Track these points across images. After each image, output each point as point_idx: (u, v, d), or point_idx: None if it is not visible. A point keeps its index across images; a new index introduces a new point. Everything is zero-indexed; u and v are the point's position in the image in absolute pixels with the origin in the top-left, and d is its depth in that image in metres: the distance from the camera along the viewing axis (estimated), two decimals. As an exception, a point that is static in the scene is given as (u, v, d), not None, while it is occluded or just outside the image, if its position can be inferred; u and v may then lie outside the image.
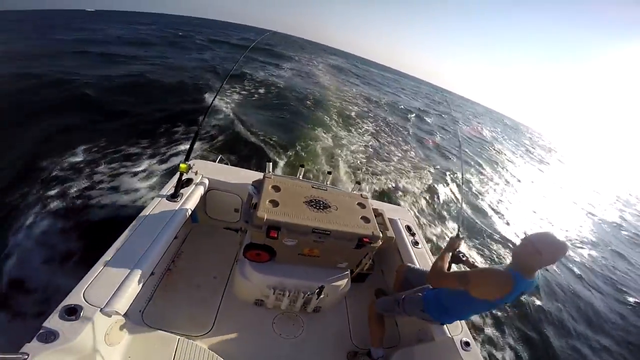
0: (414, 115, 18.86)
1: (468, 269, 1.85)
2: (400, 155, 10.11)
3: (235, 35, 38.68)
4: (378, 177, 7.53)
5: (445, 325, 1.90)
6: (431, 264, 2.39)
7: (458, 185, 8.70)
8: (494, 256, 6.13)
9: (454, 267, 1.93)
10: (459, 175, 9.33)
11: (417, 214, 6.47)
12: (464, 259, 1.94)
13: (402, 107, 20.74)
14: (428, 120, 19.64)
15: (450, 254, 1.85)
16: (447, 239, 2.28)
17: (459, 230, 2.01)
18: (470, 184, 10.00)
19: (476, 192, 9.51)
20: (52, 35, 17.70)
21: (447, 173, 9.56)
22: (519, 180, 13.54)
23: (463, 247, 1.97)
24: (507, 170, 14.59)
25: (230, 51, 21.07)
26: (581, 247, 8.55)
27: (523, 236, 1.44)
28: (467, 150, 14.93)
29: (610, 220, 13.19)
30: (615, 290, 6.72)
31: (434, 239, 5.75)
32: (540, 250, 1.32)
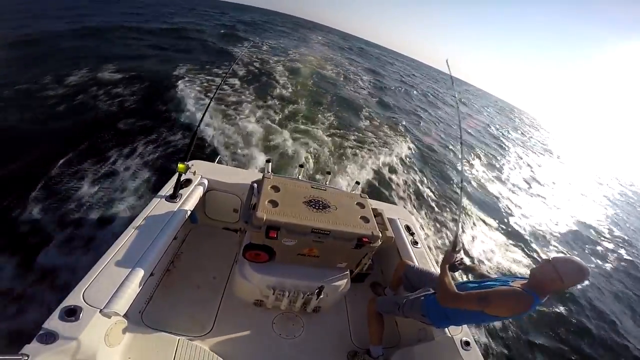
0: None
1: (485, 289, 1.53)
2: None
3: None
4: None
5: None
6: (431, 265, 2.40)
7: (456, 190, 8.31)
8: (494, 264, 5.88)
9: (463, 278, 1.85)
10: (457, 178, 9.25)
11: (413, 211, 6.42)
12: (461, 267, 1.79)
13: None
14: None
15: (448, 266, 1.70)
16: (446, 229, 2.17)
17: (456, 238, 1.70)
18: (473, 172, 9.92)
19: (477, 185, 9.39)
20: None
21: (447, 172, 9.44)
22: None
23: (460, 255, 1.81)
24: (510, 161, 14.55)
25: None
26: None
27: (544, 258, 1.40)
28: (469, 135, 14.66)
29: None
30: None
31: (432, 239, 5.74)
32: (563, 277, 1.29)
